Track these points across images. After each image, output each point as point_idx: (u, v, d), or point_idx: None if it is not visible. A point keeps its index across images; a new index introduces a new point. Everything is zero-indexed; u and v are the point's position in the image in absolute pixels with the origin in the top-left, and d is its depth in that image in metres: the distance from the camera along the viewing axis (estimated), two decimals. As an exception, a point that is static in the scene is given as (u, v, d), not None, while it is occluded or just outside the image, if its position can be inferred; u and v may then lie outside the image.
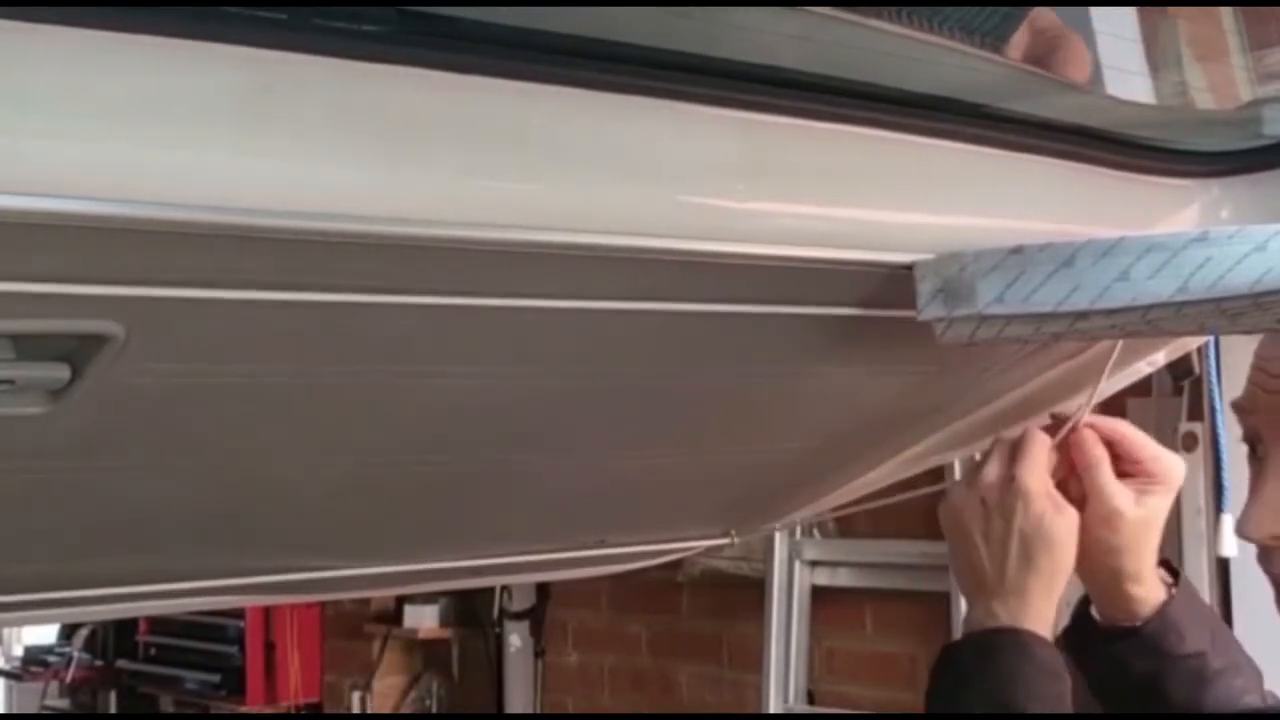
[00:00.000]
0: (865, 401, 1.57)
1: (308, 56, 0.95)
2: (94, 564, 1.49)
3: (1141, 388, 3.19)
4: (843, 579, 4.47)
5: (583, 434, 1.47)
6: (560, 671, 5.37)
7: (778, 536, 4.35)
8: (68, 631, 6.54)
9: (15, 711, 7.10)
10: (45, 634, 6.75)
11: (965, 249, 1.24)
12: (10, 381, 1.02)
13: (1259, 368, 1.29)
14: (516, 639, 5.46)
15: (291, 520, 1.48)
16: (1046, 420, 1.51)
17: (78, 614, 2.98)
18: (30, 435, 1.11)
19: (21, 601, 1.59)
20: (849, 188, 1.25)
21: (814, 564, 4.50)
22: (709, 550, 2.11)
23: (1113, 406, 1.52)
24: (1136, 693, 1.43)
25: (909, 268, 1.25)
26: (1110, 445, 1.42)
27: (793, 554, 4.47)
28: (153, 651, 6.34)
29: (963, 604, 1.45)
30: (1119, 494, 1.40)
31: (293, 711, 6.00)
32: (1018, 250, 1.22)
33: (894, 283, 1.25)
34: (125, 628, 6.36)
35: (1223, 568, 3.47)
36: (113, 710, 6.55)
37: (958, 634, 1.38)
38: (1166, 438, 3.58)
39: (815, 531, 4.46)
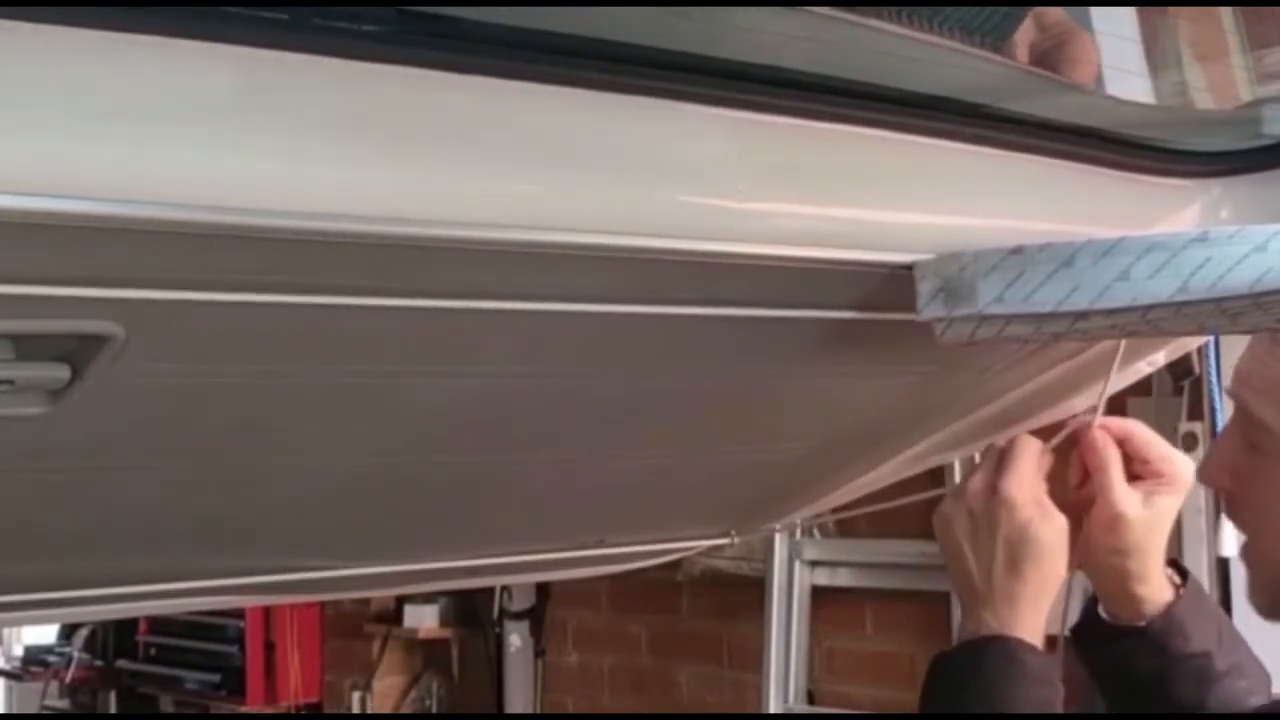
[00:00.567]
0: (865, 402, 1.57)
1: (308, 56, 0.95)
2: (94, 564, 1.49)
3: (1141, 388, 3.18)
4: (843, 579, 4.46)
5: (583, 435, 1.47)
6: (560, 671, 5.37)
7: (778, 536, 4.35)
8: (68, 631, 6.53)
9: (15, 711, 7.10)
10: (45, 634, 6.74)
11: (965, 249, 1.24)
12: (10, 382, 1.02)
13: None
14: (516, 639, 5.45)
15: (291, 520, 1.48)
16: (1046, 421, 1.51)
17: (78, 614, 2.98)
18: (30, 435, 1.11)
19: (21, 601, 1.59)
20: (849, 188, 1.25)
21: (814, 564, 4.50)
22: (709, 550, 2.11)
23: (1113, 406, 1.52)
24: (1142, 691, 1.43)
25: (909, 268, 1.25)
26: (1120, 444, 1.43)
27: (793, 554, 4.47)
28: (153, 651, 6.33)
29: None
30: (1125, 497, 1.41)
31: (293, 711, 6.00)
32: (1018, 250, 1.22)
33: (894, 283, 1.25)
34: (125, 628, 6.35)
35: (1223, 568, 3.47)
36: (113, 710, 6.54)
37: (957, 634, 1.38)
38: (1166, 438, 3.57)
39: (815, 531, 4.46)
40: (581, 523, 1.76)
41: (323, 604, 5.85)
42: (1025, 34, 1.48)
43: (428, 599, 5.56)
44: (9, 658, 6.93)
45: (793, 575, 4.48)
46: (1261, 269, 1.13)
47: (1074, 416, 1.46)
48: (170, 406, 1.13)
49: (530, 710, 5.40)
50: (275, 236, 0.94)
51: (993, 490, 1.36)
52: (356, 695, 5.86)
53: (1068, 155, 1.40)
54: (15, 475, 1.20)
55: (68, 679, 6.46)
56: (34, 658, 6.63)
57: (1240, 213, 1.48)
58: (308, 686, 6.00)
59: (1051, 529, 1.35)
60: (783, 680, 4.44)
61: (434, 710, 5.85)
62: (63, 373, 1.03)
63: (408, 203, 0.98)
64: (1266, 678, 1.47)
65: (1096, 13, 1.55)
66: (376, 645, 5.80)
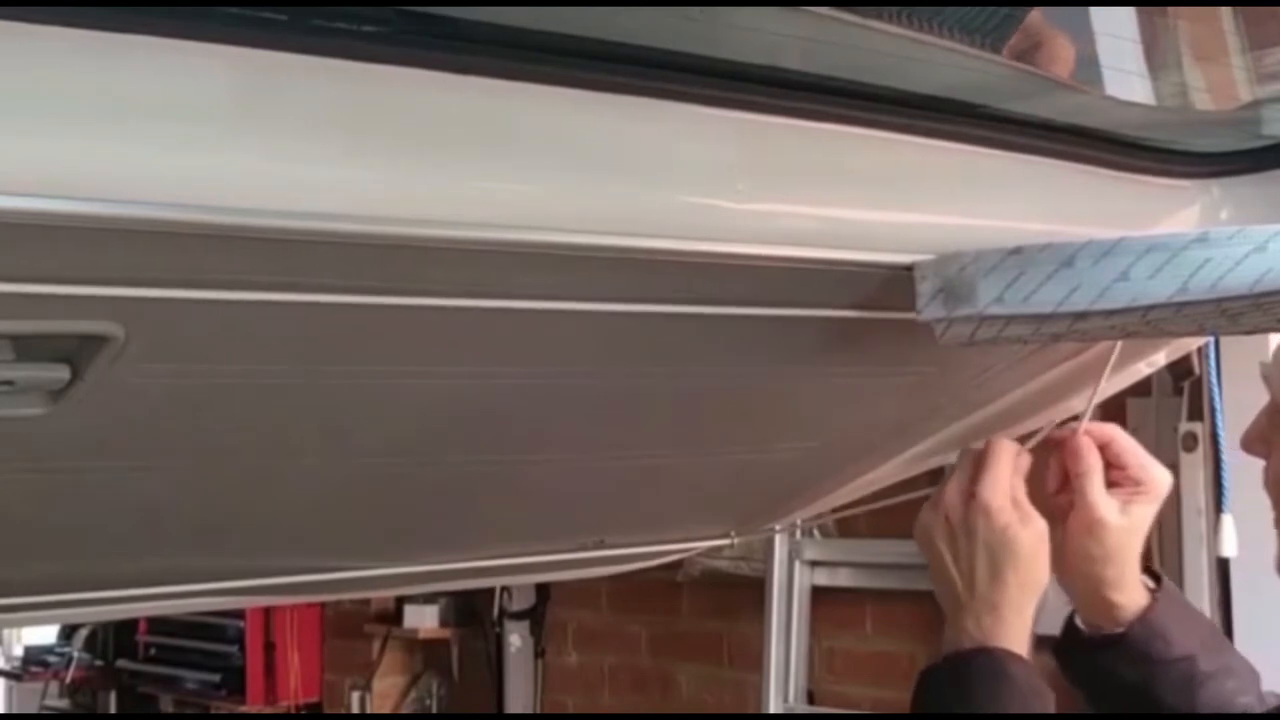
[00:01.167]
0: (865, 402, 1.57)
1: (307, 57, 0.95)
2: (94, 564, 1.49)
3: (1141, 388, 3.18)
4: (843, 579, 4.46)
5: (583, 435, 1.47)
6: (560, 671, 5.37)
7: (778, 536, 4.35)
8: (68, 631, 6.53)
9: (15, 711, 7.10)
10: (45, 634, 6.74)
11: (965, 249, 1.24)
12: (10, 382, 1.02)
13: None
14: (516, 639, 5.45)
15: (291, 521, 1.48)
16: (1045, 422, 1.51)
17: (78, 614, 2.98)
18: (30, 435, 1.11)
19: (22, 603, 1.59)
20: (849, 188, 1.25)
21: (814, 564, 4.50)
22: (709, 550, 2.11)
23: (1113, 406, 1.52)
24: (1129, 699, 1.43)
25: (909, 268, 1.25)
26: (1100, 449, 1.42)
27: (793, 554, 4.47)
28: (153, 651, 6.33)
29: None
30: (1103, 503, 1.40)
31: (293, 711, 6.00)
32: (1018, 251, 1.22)
33: (894, 283, 1.25)
34: (125, 628, 6.35)
35: (1223, 568, 3.47)
36: (113, 710, 6.54)
37: (943, 644, 1.37)
38: (1166, 438, 3.58)
39: (815, 531, 4.45)
40: (581, 523, 1.76)
41: (323, 604, 5.85)
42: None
43: (428, 599, 5.56)
44: (9, 658, 6.93)
45: (793, 575, 4.48)
46: (1262, 269, 1.13)
47: (1055, 423, 1.46)
48: (170, 406, 1.13)
49: (530, 710, 5.40)
50: (275, 236, 0.94)
51: (970, 496, 1.35)
52: (356, 695, 5.86)
53: (1068, 156, 1.40)
54: (15, 475, 1.20)
55: (68, 679, 6.46)
56: (34, 658, 6.63)
57: (1240, 213, 1.48)
58: (308, 686, 6.00)
59: (1031, 533, 1.34)
60: (783, 680, 4.44)
61: (434, 710, 5.85)
62: (63, 373, 1.03)
63: (407, 203, 0.98)
64: (1255, 678, 1.46)
65: (1096, 13, 1.55)
66: (376, 645, 5.80)
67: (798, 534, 4.42)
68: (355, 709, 5.84)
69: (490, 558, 1.82)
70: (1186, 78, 1.64)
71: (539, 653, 5.41)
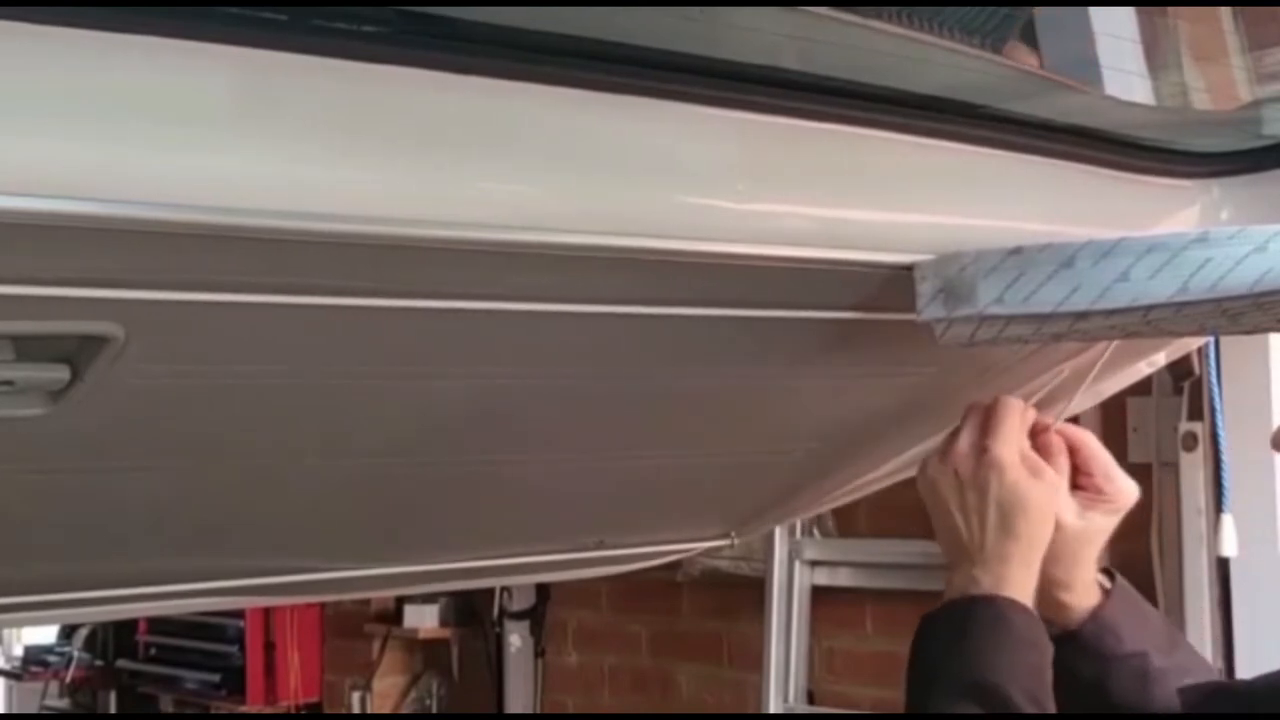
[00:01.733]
0: (865, 402, 1.57)
1: (307, 57, 0.95)
2: (94, 564, 1.49)
3: (1141, 388, 3.18)
4: (843, 579, 4.46)
5: (582, 436, 1.47)
6: (560, 671, 5.36)
7: (778, 536, 4.35)
8: (68, 631, 6.53)
9: (15, 711, 7.10)
10: (45, 634, 6.74)
11: (965, 249, 1.24)
12: (10, 383, 1.02)
13: None
14: (516, 639, 5.45)
15: (291, 521, 1.48)
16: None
17: (78, 614, 2.98)
18: (30, 436, 1.10)
19: (21, 602, 1.59)
20: (849, 188, 1.25)
21: (814, 564, 4.50)
22: (709, 550, 2.11)
23: (1113, 406, 1.52)
24: (1086, 696, 1.44)
25: (909, 268, 1.25)
26: (1070, 452, 1.42)
27: (793, 554, 4.47)
28: (153, 651, 6.33)
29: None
30: (1063, 503, 1.40)
31: (293, 711, 6.00)
32: (1018, 251, 1.22)
33: (894, 283, 1.25)
34: (125, 628, 6.35)
35: (1223, 568, 3.47)
36: (113, 710, 6.54)
37: (945, 589, 1.38)
38: (1166, 438, 3.58)
39: (815, 531, 4.45)
40: (581, 524, 1.76)
41: (323, 604, 5.85)
42: None
43: (428, 599, 5.55)
44: (9, 658, 6.93)
45: (793, 575, 4.47)
46: (1262, 269, 1.13)
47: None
48: (170, 407, 1.13)
49: (530, 710, 5.40)
50: (274, 237, 0.94)
51: (981, 451, 1.35)
52: (356, 695, 5.86)
53: (1068, 156, 1.40)
54: (15, 475, 1.20)
55: (68, 679, 6.46)
56: (34, 658, 6.63)
57: (1240, 213, 1.48)
58: (308, 686, 6.00)
59: (1042, 486, 1.35)
60: (783, 680, 4.44)
61: (434, 710, 5.85)
62: (63, 373, 1.03)
63: (407, 203, 0.98)
64: (1211, 676, 1.47)
65: (1096, 12, 1.55)
66: (376, 645, 5.80)
67: (798, 534, 4.42)
68: (355, 709, 5.84)
69: (490, 558, 1.82)
70: (1186, 78, 1.64)
71: (539, 653, 5.40)
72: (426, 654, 5.87)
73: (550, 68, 1.06)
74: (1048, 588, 1.42)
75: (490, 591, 5.34)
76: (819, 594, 4.51)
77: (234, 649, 5.96)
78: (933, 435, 1.75)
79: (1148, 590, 3.72)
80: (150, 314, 0.99)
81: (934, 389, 1.57)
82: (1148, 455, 3.60)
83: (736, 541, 1.97)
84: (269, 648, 5.95)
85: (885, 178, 1.27)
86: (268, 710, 5.95)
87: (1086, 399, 1.80)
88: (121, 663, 6.41)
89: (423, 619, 5.62)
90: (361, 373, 1.17)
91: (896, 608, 4.34)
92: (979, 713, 1.29)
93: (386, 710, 5.84)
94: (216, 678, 6.01)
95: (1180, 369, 3.42)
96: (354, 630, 5.84)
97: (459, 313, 1.12)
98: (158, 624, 6.21)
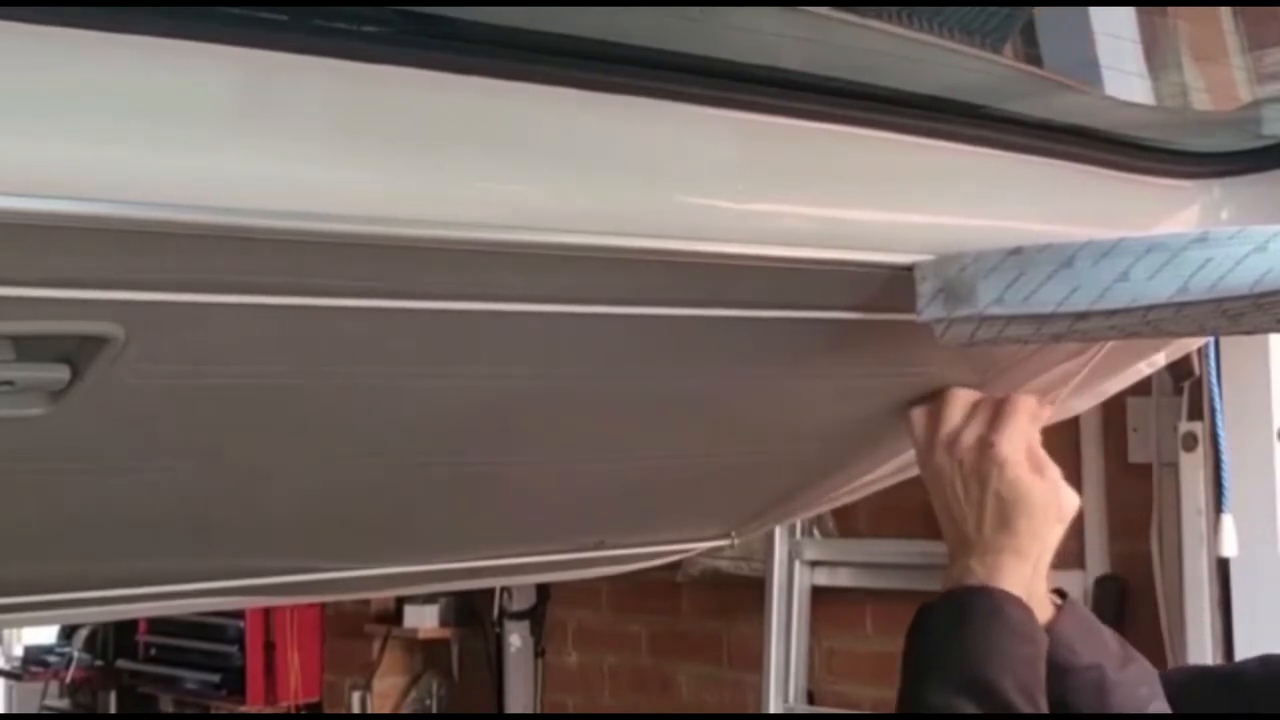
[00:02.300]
0: (866, 402, 1.57)
1: (308, 57, 0.95)
2: (94, 564, 1.49)
3: (1141, 388, 3.18)
4: (843, 579, 4.46)
5: (582, 436, 1.46)
6: (560, 671, 5.36)
7: (778, 536, 4.35)
8: (68, 631, 6.53)
9: (15, 711, 7.10)
10: (45, 634, 6.74)
11: (965, 249, 1.24)
12: (10, 383, 1.02)
13: None
14: (516, 639, 5.45)
15: (291, 521, 1.48)
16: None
17: (78, 614, 2.98)
18: (30, 436, 1.10)
19: (21, 602, 1.59)
20: (849, 188, 1.25)
21: (814, 564, 4.50)
22: (709, 550, 2.11)
23: (1113, 406, 1.52)
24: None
25: (909, 268, 1.25)
26: None
27: (793, 554, 4.47)
28: (153, 651, 6.33)
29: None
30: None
31: (293, 711, 6.00)
32: (1017, 251, 1.22)
33: (894, 283, 1.25)
34: (125, 628, 6.35)
35: (1223, 568, 3.47)
36: (113, 710, 6.54)
37: (943, 580, 1.38)
38: (1166, 438, 3.58)
39: (815, 531, 4.45)
40: (581, 524, 1.76)
41: (323, 604, 5.85)
42: None
43: (428, 599, 5.56)
44: (9, 658, 6.93)
45: (793, 575, 4.47)
46: (1262, 269, 1.13)
47: None
48: (170, 407, 1.13)
49: (530, 710, 5.40)
50: (274, 237, 0.94)
51: (987, 445, 1.37)
52: (356, 695, 5.86)
53: (1068, 156, 1.40)
54: (15, 475, 1.20)
55: (68, 679, 6.46)
56: (34, 658, 6.63)
57: (1240, 213, 1.48)
58: (308, 686, 6.00)
59: (1044, 485, 1.37)
60: (783, 680, 4.44)
61: (434, 710, 5.85)
62: (63, 373, 1.03)
63: (407, 203, 0.98)
64: (1158, 686, 1.48)
65: (1096, 12, 1.55)
66: (376, 645, 5.80)
67: (798, 534, 4.42)
68: (355, 709, 5.84)
69: (490, 558, 1.82)
70: (1186, 78, 1.64)
71: (539, 653, 5.40)
72: (426, 654, 5.87)
73: (550, 68, 1.06)
74: None
75: (490, 591, 5.34)
76: (819, 594, 4.51)
77: (234, 649, 5.96)
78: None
79: (1148, 590, 3.73)
80: (150, 314, 0.99)
81: (934, 389, 1.56)
82: (1148, 455, 3.61)
83: (736, 541, 1.97)
84: (269, 648, 5.95)
85: (885, 178, 1.27)
86: (268, 710, 5.95)
87: (1086, 399, 1.80)
88: (121, 663, 6.41)
89: (423, 619, 5.62)
90: (361, 373, 1.17)
91: (896, 608, 4.34)
92: (976, 712, 1.29)
93: (386, 710, 5.84)
94: (216, 678, 6.01)
95: (1180, 369, 3.42)
96: (354, 630, 5.84)
97: (459, 313, 1.12)
98: (158, 624, 6.21)
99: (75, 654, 6.40)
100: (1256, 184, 1.50)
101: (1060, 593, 1.49)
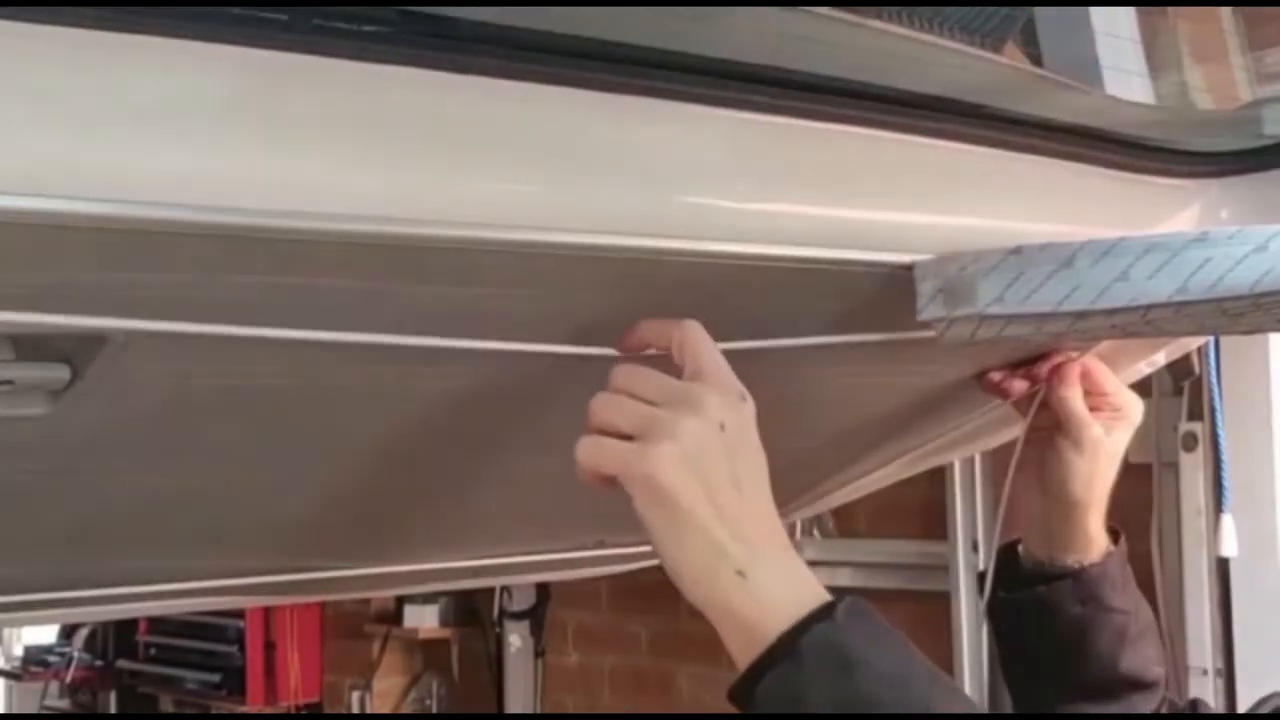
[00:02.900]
0: (866, 402, 1.57)
1: (308, 57, 0.95)
2: (94, 564, 1.49)
3: (1142, 388, 3.19)
4: (843, 579, 4.46)
5: (582, 434, 1.46)
6: (560, 671, 5.37)
7: (777, 537, 4.35)
8: (68, 631, 6.53)
9: (15, 711, 7.10)
10: (45, 634, 6.74)
11: (965, 249, 1.24)
12: (10, 382, 1.02)
13: None
14: (516, 639, 5.45)
15: (292, 520, 1.48)
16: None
17: (78, 614, 2.98)
18: (30, 436, 1.10)
19: (21, 602, 1.59)
20: (849, 188, 1.25)
21: (814, 564, 4.49)
22: (709, 550, 2.10)
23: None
24: (1061, 639, 1.45)
25: (909, 268, 1.25)
26: (1081, 378, 1.47)
27: (793, 554, 4.47)
28: (153, 651, 6.34)
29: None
30: (1096, 422, 1.46)
31: (293, 711, 6.00)
32: (1017, 251, 1.22)
33: (894, 283, 1.25)
34: (125, 628, 6.35)
35: (1223, 568, 3.47)
36: (113, 710, 6.55)
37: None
38: (1166, 438, 3.58)
39: (815, 531, 4.45)
40: (581, 523, 1.76)
41: (323, 604, 5.85)
42: None
43: (428, 599, 5.56)
44: (9, 658, 6.93)
45: (793, 575, 4.47)
46: (1262, 269, 1.13)
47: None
48: (170, 406, 1.13)
49: (530, 710, 5.40)
50: (275, 237, 0.94)
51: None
52: (356, 695, 5.86)
53: (1068, 155, 1.40)
54: (15, 475, 1.20)
55: (68, 679, 6.46)
56: (34, 658, 6.63)
57: (1240, 213, 1.48)
58: (308, 686, 6.00)
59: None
60: (783, 680, 4.44)
61: (434, 710, 5.86)
62: (63, 373, 1.03)
63: (407, 203, 0.98)
64: (1161, 655, 1.51)
65: (1096, 12, 1.55)
66: (376, 645, 5.81)
67: (798, 534, 4.42)
68: (355, 709, 5.84)
69: (490, 557, 1.82)
70: (1186, 78, 1.64)
71: (539, 653, 5.41)
72: (426, 654, 5.88)
73: (550, 68, 1.06)
74: (1081, 514, 1.46)
75: (490, 591, 5.35)
76: (819, 594, 4.51)
77: (234, 649, 5.97)
78: (934, 435, 1.75)
79: (1148, 590, 3.72)
80: (150, 314, 0.99)
81: (934, 389, 1.57)
82: (1148, 455, 3.61)
83: (736, 542, 1.96)
84: (269, 648, 5.96)
85: (885, 178, 1.27)
86: (268, 710, 5.95)
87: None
88: (121, 663, 6.42)
89: (423, 619, 5.62)
90: (361, 371, 1.17)
91: (896, 608, 4.34)
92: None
93: (386, 710, 5.84)
94: (216, 678, 6.02)
95: (1180, 369, 3.42)
96: (354, 630, 5.85)
97: (458, 313, 1.12)
98: (158, 624, 6.21)
99: (75, 654, 6.40)
100: (1256, 184, 1.50)
101: (1115, 531, 1.51)
